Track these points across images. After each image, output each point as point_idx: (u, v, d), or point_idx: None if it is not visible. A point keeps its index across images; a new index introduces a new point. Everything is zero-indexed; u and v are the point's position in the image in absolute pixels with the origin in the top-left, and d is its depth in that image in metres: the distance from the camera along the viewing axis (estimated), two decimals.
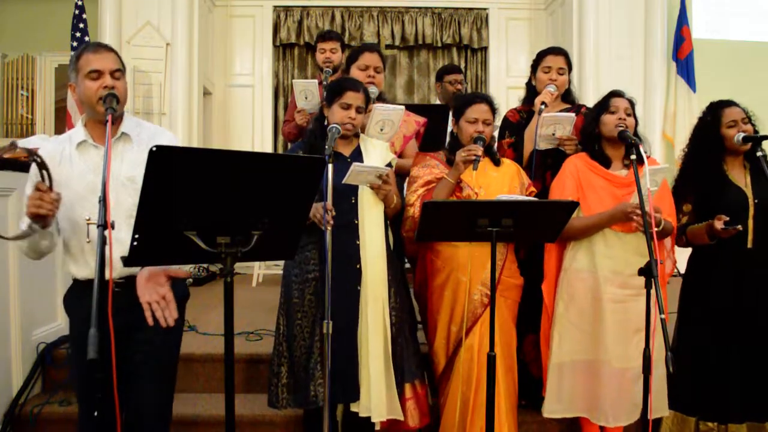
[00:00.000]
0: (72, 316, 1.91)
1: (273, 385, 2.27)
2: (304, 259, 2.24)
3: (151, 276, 1.68)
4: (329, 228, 2.02)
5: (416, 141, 2.74)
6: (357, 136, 2.34)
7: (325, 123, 2.27)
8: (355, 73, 2.63)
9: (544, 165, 2.51)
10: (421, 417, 2.34)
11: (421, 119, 2.74)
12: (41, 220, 1.64)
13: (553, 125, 2.47)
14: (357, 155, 2.28)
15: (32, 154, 1.60)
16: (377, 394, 2.16)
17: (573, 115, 2.52)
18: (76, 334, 1.88)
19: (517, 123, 2.72)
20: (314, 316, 2.21)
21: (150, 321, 1.64)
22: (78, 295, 1.85)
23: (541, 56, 2.68)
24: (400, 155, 2.64)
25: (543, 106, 2.48)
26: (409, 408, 2.32)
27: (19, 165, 2.40)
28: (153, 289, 1.66)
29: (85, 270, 1.81)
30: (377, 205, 2.23)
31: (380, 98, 2.71)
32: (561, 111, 2.58)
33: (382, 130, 2.45)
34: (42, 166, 1.60)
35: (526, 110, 2.72)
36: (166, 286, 1.69)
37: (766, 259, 2.29)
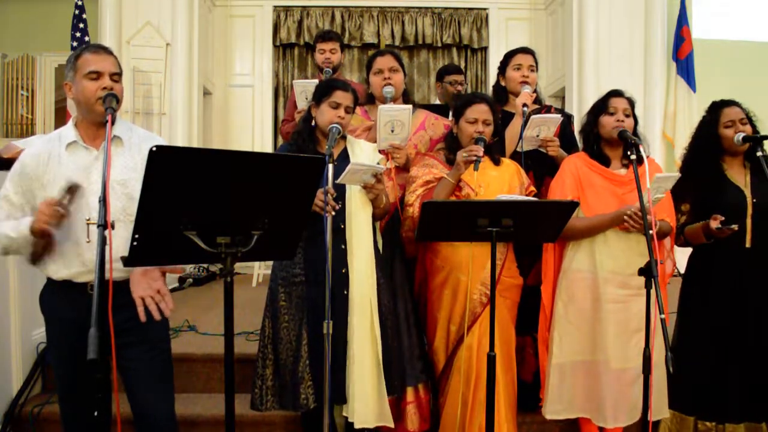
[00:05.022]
0: (49, 317, 1.88)
1: (257, 387, 2.26)
2: (290, 263, 2.22)
3: (146, 271, 1.69)
4: (332, 214, 2.01)
5: (444, 145, 2.70)
6: (344, 137, 2.32)
7: (312, 123, 2.26)
8: (373, 79, 2.63)
9: (524, 166, 2.51)
10: (421, 422, 2.33)
11: (451, 122, 2.72)
12: (43, 234, 1.65)
13: (539, 126, 2.47)
14: (344, 157, 2.27)
15: (75, 187, 1.67)
16: (362, 399, 2.13)
17: (560, 116, 2.53)
18: (57, 337, 1.86)
19: None
20: (301, 320, 2.20)
21: (143, 317, 1.65)
22: (54, 296, 1.84)
23: (510, 56, 2.69)
24: None
25: (525, 108, 2.47)
26: (409, 412, 2.32)
27: None
28: (147, 284, 1.68)
29: (64, 271, 1.79)
30: (365, 208, 2.21)
31: (405, 97, 2.68)
32: (535, 111, 2.58)
33: (393, 131, 2.43)
34: (73, 192, 1.64)
35: (499, 111, 2.71)
36: (160, 280, 1.71)
37: (764, 259, 2.29)
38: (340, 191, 2.17)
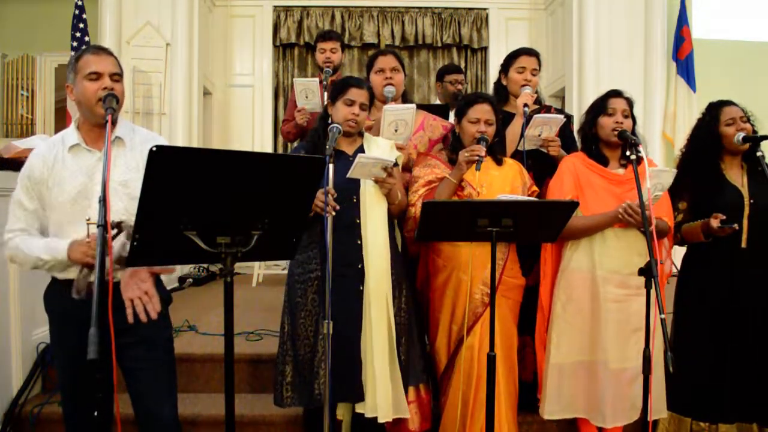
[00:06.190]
0: (52, 316, 1.90)
1: (278, 384, 2.27)
2: (306, 259, 2.24)
3: (134, 273, 1.69)
4: (332, 214, 2.02)
5: (444, 145, 2.70)
6: (361, 134, 2.34)
7: (329, 121, 2.27)
8: (373, 78, 2.64)
9: (526, 166, 2.51)
10: (422, 422, 2.33)
11: (449, 124, 2.72)
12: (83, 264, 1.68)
13: (541, 126, 2.47)
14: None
15: (125, 227, 1.67)
16: (383, 393, 2.15)
17: (562, 116, 2.53)
18: (59, 336, 1.88)
19: None
20: (317, 315, 2.21)
21: (130, 318, 1.65)
22: (57, 295, 1.85)
23: (513, 56, 2.67)
24: None
25: (526, 109, 2.47)
26: (410, 411, 2.32)
27: (19, 165, 2.41)
28: (135, 286, 1.68)
29: (68, 271, 1.79)
30: (380, 204, 2.22)
31: (404, 98, 2.69)
32: (535, 111, 2.57)
33: (396, 131, 2.44)
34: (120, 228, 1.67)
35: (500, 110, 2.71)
36: (148, 281, 1.71)
37: (760, 259, 2.29)
38: (355, 187, 2.18)
